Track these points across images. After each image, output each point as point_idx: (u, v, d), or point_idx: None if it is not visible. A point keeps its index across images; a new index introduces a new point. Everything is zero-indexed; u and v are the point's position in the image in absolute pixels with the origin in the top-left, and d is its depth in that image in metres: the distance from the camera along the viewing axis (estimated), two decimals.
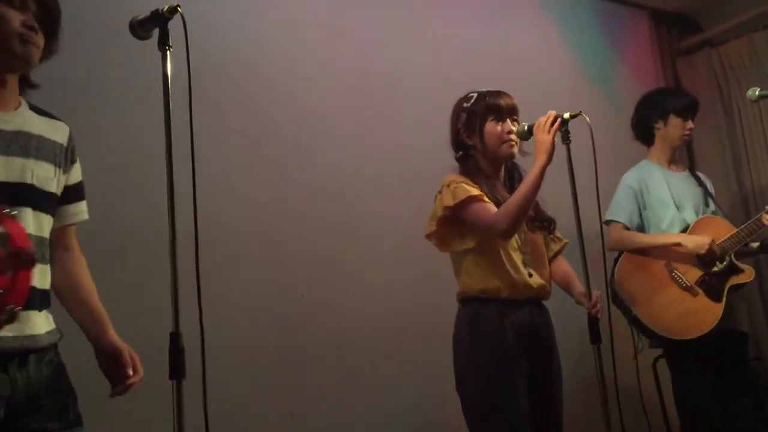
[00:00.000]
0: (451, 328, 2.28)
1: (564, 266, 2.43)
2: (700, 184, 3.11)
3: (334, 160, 3.04)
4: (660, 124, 3.08)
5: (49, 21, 1.55)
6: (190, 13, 1.52)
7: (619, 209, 3.01)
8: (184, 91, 1.49)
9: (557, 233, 2.43)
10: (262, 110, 2.91)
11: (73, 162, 1.65)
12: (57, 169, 1.57)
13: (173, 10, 1.49)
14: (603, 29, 4.22)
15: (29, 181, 1.49)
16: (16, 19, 1.48)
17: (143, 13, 1.54)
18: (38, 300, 1.48)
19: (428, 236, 2.30)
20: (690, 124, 3.06)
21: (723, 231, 2.89)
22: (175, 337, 1.40)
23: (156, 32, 1.53)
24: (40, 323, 1.48)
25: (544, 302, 2.33)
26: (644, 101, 3.20)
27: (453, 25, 3.55)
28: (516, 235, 2.23)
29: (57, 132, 1.60)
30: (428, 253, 2.42)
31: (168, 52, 1.50)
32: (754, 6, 4.09)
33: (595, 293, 2.16)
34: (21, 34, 1.48)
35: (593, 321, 2.12)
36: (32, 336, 1.45)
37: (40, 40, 1.52)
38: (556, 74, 3.87)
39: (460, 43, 3.52)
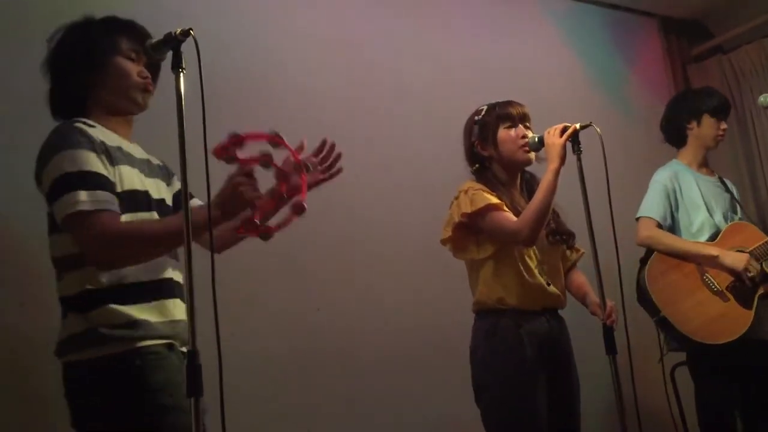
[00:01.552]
0: (468, 340, 2.28)
1: (580, 278, 2.43)
2: (728, 190, 3.06)
3: (346, 175, 3.04)
4: (693, 125, 3.04)
5: (155, 66, 1.78)
6: (202, 35, 1.54)
7: (652, 206, 2.93)
8: (198, 109, 1.51)
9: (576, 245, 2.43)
10: (273, 127, 2.93)
11: (173, 174, 1.88)
12: (166, 185, 1.83)
13: (186, 33, 1.51)
14: (612, 38, 4.21)
15: (163, 197, 1.78)
16: (134, 71, 1.73)
17: (157, 36, 1.57)
18: (180, 291, 1.72)
19: (443, 241, 2.30)
20: (724, 125, 3.03)
21: (754, 238, 2.85)
22: (193, 355, 1.41)
23: (170, 55, 1.55)
24: (182, 313, 1.69)
25: (560, 312, 2.33)
26: (676, 101, 3.17)
27: (461, 37, 3.56)
28: (534, 245, 2.24)
29: (152, 155, 1.85)
30: (443, 264, 2.43)
31: (181, 74, 1.52)
32: (765, 11, 4.07)
33: (609, 303, 2.16)
34: (141, 86, 1.73)
35: (608, 331, 2.11)
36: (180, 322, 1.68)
37: (152, 85, 1.77)
38: (566, 84, 3.86)
39: (469, 55, 3.54)
